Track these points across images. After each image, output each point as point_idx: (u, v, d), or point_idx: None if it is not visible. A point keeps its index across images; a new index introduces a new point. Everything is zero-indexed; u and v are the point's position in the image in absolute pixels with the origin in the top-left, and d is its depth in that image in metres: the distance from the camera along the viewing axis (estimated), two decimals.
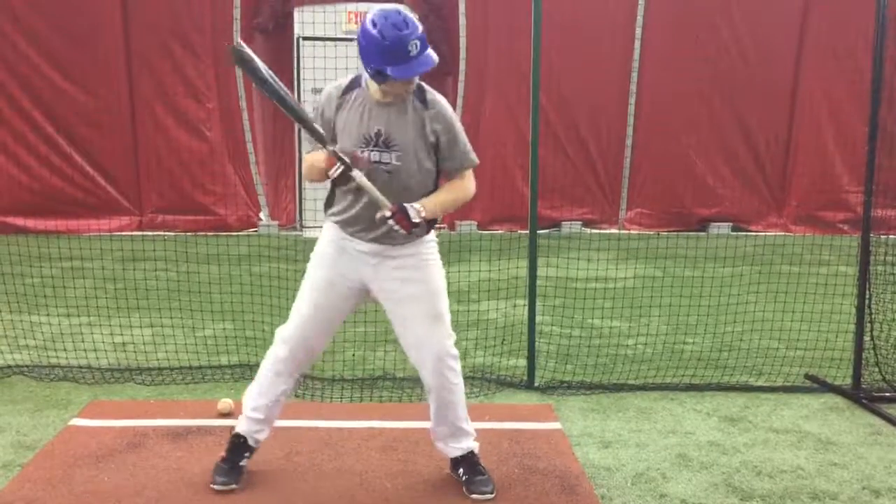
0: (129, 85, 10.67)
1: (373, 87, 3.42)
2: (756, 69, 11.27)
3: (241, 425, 3.77)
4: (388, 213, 3.35)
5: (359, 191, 3.44)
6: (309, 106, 10.85)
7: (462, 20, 11.00)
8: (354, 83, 3.52)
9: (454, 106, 11.21)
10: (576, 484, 3.82)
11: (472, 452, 3.79)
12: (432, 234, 3.64)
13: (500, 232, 10.78)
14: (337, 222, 3.60)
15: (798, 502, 3.72)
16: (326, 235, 3.66)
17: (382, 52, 3.23)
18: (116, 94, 10.62)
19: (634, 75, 11.42)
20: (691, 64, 11.08)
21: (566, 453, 4.16)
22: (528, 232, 5.20)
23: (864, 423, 4.66)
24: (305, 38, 10.29)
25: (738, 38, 11.27)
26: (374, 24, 3.24)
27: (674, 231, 11.14)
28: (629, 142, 11.54)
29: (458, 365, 3.65)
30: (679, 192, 11.49)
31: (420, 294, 3.55)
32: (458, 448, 3.77)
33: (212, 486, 3.67)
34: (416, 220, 3.36)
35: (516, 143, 10.78)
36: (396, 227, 3.35)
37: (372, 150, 3.43)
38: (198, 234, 9.18)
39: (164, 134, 10.73)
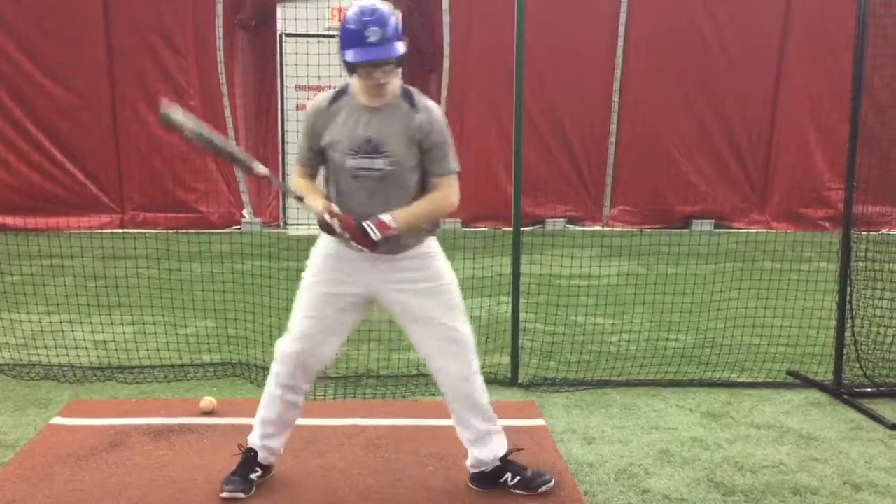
0: (110, 81, 10.60)
1: (357, 89, 3.42)
2: (738, 68, 11.32)
3: (252, 439, 3.71)
4: (347, 236, 3.33)
5: (357, 197, 3.44)
6: (291, 102, 10.76)
7: (445, 17, 10.99)
8: (341, 92, 3.49)
9: (438, 102, 11.18)
10: (559, 480, 3.82)
11: (506, 453, 3.72)
12: (432, 236, 3.63)
13: (483, 229, 10.78)
14: None
15: (779, 497, 3.74)
16: (323, 244, 3.59)
17: (344, 35, 3.28)
18: (98, 90, 10.55)
19: (618, 72, 11.44)
20: (674, 62, 11.12)
21: (549, 449, 4.17)
22: (511, 229, 5.20)
23: (845, 419, 4.70)
24: (288, 35, 10.25)
25: (720, 37, 11.32)
26: (347, 11, 3.32)
27: (657, 228, 11.18)
28: (613, 139, 11.56)
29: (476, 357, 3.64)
30: (662, 189, 11.53)
31: (436, 290, 3.54)
32: (489, 450, 3.68)
33: (220, 495, 3.60)
34: (377, 236, 3.31)
35: (500, 140, 10.78)
36: (357, 247, 3.34)
37: (362, 157, 3.40)
38: (180, 231, 9.13)
39: (145, 131, 10.63)
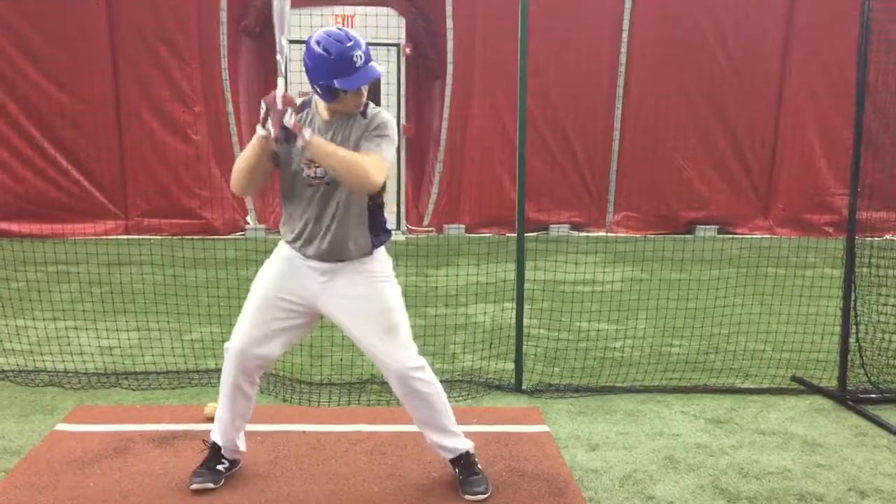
0: (114, 88, 10.63)
1: (321, 106, 3.52)
2: (742, 73, 11.34)
3: (213, 434, 3.83)
4: (279, 104, 3.32)
5: (306, 204, 3.52)
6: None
7: (449, 23, 11.01)
8: (305, 104, 3.58)
9: (441, 109, 11.22)
10: (563, 487, 3.82)
11: (467, 453, 3.80)
12: (383, 253, 3.66)
13: (487, 235, 10.78)
14: (288, 240, 3.65)
15: None
16: (276, 252, 3.72)
17: (330, 67, 3.34)
18: (102, 97, 10.57)
19: (621, 79, 11.45)
20: (678, 67, 11.12)
21: (554, 456, 4.17)
22: (515, 235, 5.20)
23: (850, 425, 4.69)
24: (292, 41, 10.23)
25: (724, 43, 11.33)
26: (318, 43, 3.39)
27: (661, 234, 11.17)
28: (616, 145, 11.57)
29: (424, 374, 3.65)
30: (666, 195, 11.53)
31: (372, 311, 3.58)
32: (448, 451, 3.80)
33: (190, 487, 3.71)
34: (289, 122, 3.29)
35: (504, 146, 10.80)
36: (268, 127, 3.32)
37: (317, 167, 3.46)
38: (184, 237, 9.14)
39: (149, 137, 10.68)
